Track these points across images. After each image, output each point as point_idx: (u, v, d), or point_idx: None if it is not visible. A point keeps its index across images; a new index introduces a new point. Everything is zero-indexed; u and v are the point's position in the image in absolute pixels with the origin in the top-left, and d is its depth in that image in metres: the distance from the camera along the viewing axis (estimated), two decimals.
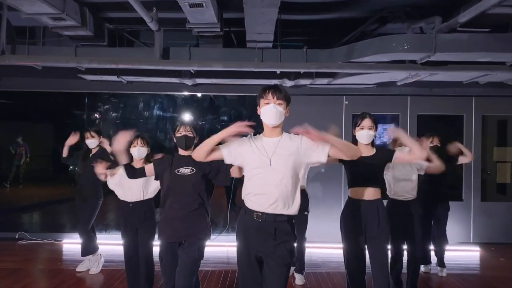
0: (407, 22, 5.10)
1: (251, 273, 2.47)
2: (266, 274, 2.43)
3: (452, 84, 6.15)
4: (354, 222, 3.23)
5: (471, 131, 6.38)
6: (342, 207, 3.43)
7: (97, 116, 6.21)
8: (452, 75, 5.44)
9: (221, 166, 3.11)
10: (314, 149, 2.45)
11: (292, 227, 2.51)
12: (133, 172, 3.36)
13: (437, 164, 3.96)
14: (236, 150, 2.54)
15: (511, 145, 6.70)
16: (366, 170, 3.21)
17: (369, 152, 3.28)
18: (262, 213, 2.42)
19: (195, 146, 3.26)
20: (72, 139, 4.94)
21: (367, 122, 3.24)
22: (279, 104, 2.45)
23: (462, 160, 4.88)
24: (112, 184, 3.95)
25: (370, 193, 3.22)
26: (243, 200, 2.58)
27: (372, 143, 3.33)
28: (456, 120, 6.46)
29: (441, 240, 4.89)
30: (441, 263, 4.91)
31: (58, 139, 7.21)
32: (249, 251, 2.46)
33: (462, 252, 5.83)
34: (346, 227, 3.30)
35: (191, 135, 3.21)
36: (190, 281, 3.00)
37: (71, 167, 6.91)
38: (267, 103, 2.46)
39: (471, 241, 6.31)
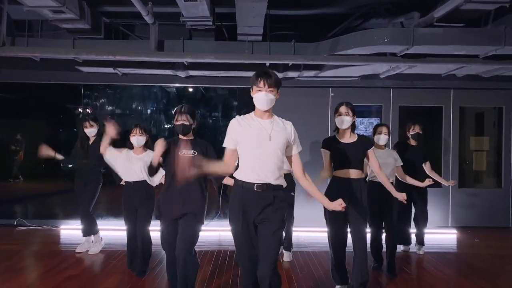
0: (388, 17, 5.46)
1: (250, 240, 2.70)
2: (264, 235, 2.68)
3: (431, 77, 6.51)
4: (337, 197, 3.53)
5: (450, 122, 6.76)
6: None
7: (89, 111, 6.37)
8: (430, 68, 5.79)
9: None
10: (294, 143, 2.82)
11: (285, 195, 2.83)
12: (154, 171, 3.55)
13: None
14: (234, 136, 2.76)
15: (487, 135, 7.10)
16: (349, 154, 3.56)
17: (351, 139, 3.64)
18: (263, 183, 2.68)
19: (194, 131, 3.54)
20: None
21: (342, 108, 3.61)
22: (270, 91, 2.67)
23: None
24: (113, 166, 4.26)
25: (352, 173, 3.56)
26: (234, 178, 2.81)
27: (353, 130, 3.67)
28: (435, 111, 6.83)
29: (422, 222, 5.23)
30: (420, 241, 5.25)
31: (51, 135, 7.35)
32: (248, 219, 2.69)
33: (440, 235, 6.20)
34: (330, 200, 3.59)
35: (188, 123, 3.39)
36: (191, 249, 3.29)
37: (62, 164, 7.06)
38: (259, 90, 2.67)
39: (449, 225, 6.69)
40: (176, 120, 3.42)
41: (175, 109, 3.51)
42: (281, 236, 2.77)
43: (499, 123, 6.98)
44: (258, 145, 2.70)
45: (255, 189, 2.69)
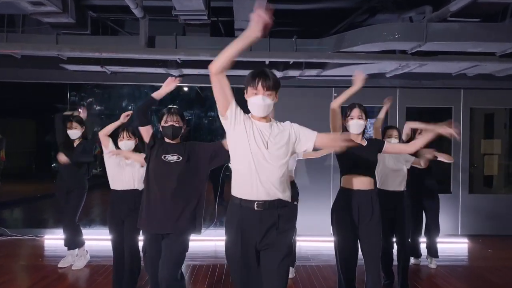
0: (396, 12, 5.07)
1: (250, 271, 2.30)
2: (269, 267, 2.28)
3: (441, 76, 6.14)
4: (347, 212, 3.16)
5: (460, 124, 6.38)
6: (331, 200, 3.35)
7: (80, 110, 5.98)
8: (442, 66, 5.41)
9: (216, 147, 3.01)
10: (303, 137, 2.38)
11: (291, 213, 2.42)
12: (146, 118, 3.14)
13: (421, 162, 4.08)
14: (241, 114, 2.32)
15: (498, 137, 6.74)
16: (360, 158, 3.17)
17: (362, 142, 3.26)
18: (265, 201, 2.27)
19: (182, 136, 3.17)
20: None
21: (356, 111, 3.23)
22: (268, 95, 2.27)
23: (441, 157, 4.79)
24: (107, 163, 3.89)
25: (364, 183, 3.16)
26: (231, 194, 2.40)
27: (363, 134, 3.29)
28: (444, 112, 6.45)
29: (433, 231, 4.86)
30: (433, 253, 4.87)
31: (40, 135, 6.95)
32: (249, 244, 2.28)
33: (451, 244, 5.82)
34: (339, 218, 3.22)
35: (178, 125, 3.04)
36: (175, 274, 2.88)
37: (54, 164, 6.70)
38: (256, 94, 2.27)
39: (459, 233, 6.32)
40: (165, 121, 3.05)
41: (163, 110, 3.15)
42: (289, 265, 2.37)
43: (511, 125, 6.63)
44: (256, 153, 2.27)
45: (256, 208, 2.27)
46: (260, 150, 2.27)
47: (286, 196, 2.34)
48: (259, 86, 2.27)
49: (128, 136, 3.75)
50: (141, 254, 3.21)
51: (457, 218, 6.36)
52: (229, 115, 2.28)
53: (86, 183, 4.77)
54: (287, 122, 2.44)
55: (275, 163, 2.28)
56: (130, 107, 6.84)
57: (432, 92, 6.33)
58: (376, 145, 3.28)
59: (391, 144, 3.32)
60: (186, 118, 3.31)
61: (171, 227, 2.96)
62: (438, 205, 4.86)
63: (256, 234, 2.28)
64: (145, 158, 3.11)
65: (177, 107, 3.20)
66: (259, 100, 2.27)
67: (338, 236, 3.25)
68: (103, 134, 3.94)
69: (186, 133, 3.22)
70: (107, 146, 3.91)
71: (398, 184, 4.00)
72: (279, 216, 2.30)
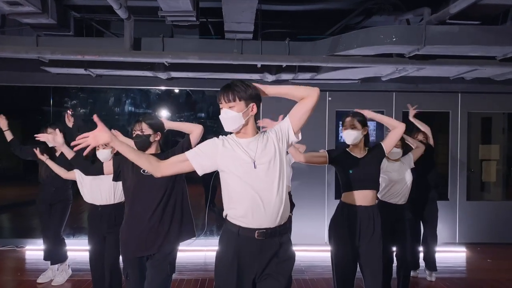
0: (393, 14, 4.89)
1: None
2: None
3: (438, 80, 5.96)
4: (348, 229, 2.98)
5: (457, 128, 6.21)
6: (325, 208, 3.16)
7: (70, 112, 5.70)
8: (440, 70, 5.23)
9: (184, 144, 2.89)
10: (282, 130, 2.18)
11: (290, 239, 2.21)
12: (87, 168, 3.01)
13: (418, 147, 4.02)
14: (208, 149, 2.14)
15: (495, 142, 6.58)
16: (361, 171, 3.00)
17: (361, 153, 3.08)
18: (267, 228, 2.06)
19: (159, 143, 2.94)
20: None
21: (347, 121, 3.07)
22: (230, 107, 2.10)
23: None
24: (80, 183, 3.64)
25: (366, 198, 2.99)
26: (226, 218, 2.18)
27: (366, 144, 3.09)
28: (442, 117, 6.27)
29: (431, 241, 4.68)
30: (431, 266, 4.69)
31: (25, 136, 6.67)
32: (244, 280, 2.08)
33: (448, 254, 5.64)
34: (338, 234, 3.03)
35: (142, 133, 2.82)
36: None
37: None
38: (221, 108, 2.15)
39: (457, 241, 6.15)
40: (133, 130, 2.87)
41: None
42: None
43: (510, 129, 6.45)
44: (247, 175, 2.06)
45: (257, 237, 2.05)
46: (251, 171, 2.07)
47: (286, 216, 2.15)
48: (221, 100, 2.12)
49: (104, 144, 3.50)
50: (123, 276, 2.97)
51: (454, 225, 6.19)
52: (198, 168, 2.16)
53: (70, 194, 4.53)
54: (268, 130, 2.24)
55: (273, 180, 2.07)
56: (116, 109, 6.57)
57: (429, 96, 6.14)
58: (376, 152, 3.11)
59: (386, 140, 3.12)
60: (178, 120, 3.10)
61: (158, 246, 2.75)
62: (437, 215, 4.69)
63: (258, 266, 2.08)
64: (115, 178, 2.99)
65: (150, 115, 3.01)
66: (222, 114, 2.13)
67: (337, 254, 3.07)
68: (64, 174, 3.76)
69: (161, 139, 2.98)
70: (74, 177, 3.68)
71: (401, 197, 3.82)
72: (281, 244, 2.11)
